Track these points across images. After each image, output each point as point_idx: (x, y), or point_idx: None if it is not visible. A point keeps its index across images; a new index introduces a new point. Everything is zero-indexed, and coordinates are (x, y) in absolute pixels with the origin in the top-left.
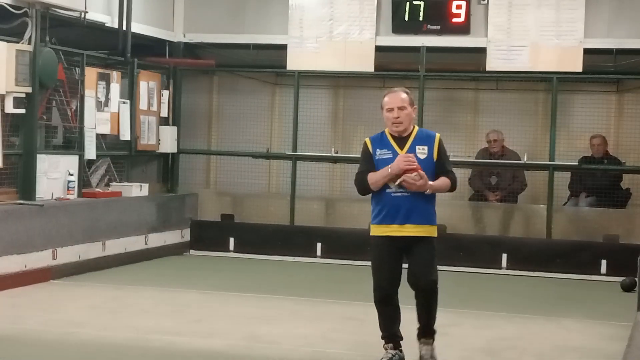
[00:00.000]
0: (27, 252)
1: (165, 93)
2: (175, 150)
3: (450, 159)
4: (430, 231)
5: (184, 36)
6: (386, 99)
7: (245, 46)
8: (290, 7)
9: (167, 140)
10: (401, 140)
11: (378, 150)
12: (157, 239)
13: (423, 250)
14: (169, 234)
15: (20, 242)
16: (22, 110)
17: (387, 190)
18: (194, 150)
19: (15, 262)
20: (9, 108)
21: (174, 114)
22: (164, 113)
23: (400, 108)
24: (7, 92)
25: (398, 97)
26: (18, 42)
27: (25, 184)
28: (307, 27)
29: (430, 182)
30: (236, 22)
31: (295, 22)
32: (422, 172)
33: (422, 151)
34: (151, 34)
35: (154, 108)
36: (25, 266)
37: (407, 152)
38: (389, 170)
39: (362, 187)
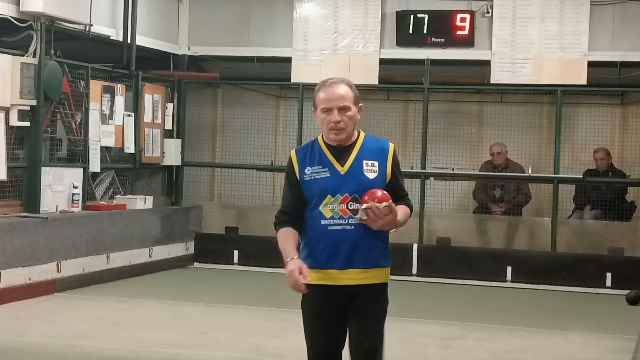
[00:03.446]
0: (32, 265)
1: (170, 106)
2: (179, 163)
3: (455, 171)
4: (380, 276)
5: (189, 49)
6: (321, 94)
7: (250, 59)
8: (295, 20)
9: (172, 153)
10: (341, 153)
11: (308, 168)
12: (161, 252)
13: (368, 305)
14: (173, 246)
15: (25, 254)
16: (27, 123)
17: (322, 222)
18: (198, 163)
19: (20, 274)
20: (14, 121)
21: (179, 127)
22: (169, 126)
23: (342, 108)
24: (12, 104)
25: (337, 92)
26: (23, 55)
27: (30, 197)
28: (312, 40)
29: (398, 218)
30: (241, 35)
31: (299, 35)
32: (392, 205)
33: (370, 168)
34: (156, 47)
35: (159, 121)
36: (30, 279)
37: (350, 168)
38: (287, 266)
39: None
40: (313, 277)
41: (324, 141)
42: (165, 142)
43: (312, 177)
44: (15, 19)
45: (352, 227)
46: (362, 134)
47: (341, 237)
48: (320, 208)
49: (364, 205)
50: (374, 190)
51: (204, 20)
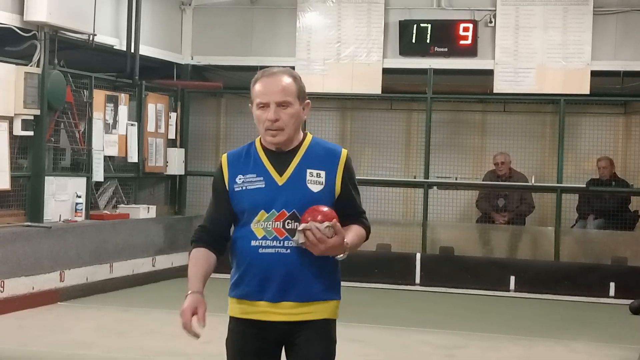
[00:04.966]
0: (35, 274)
1: (173, 115)
2: (182, 172)
3: (458, 180)
4: (325, 311)
5: (192, 58)
6: (257, 86)
7: (253, 68)
8: (298, 29)
9: (175, 162)
10: (281, 159)
11: (240, 176)
12: (164, 261)
13: (309, 348)
14: (176, 255)
15: (28, 263)
16: (31, 133)
17: (252, 243)
18: (201, 172)
19: (24, 283)
20: (18, 130)
21: (182, 136)
22: (172, 135)
23: (281, 104)
24: (15, 114)
25: (277, 83)
26: (27, 65)
27: (33, 206)
28: (315, 49)
29: (346, 241)
30: (244, 44)
31: (302, 45)
32: (338, 226)
33: (315, 179)
34: (159, 57)
35: (162, 130)
36: (33, 288)
37: (289, 178)
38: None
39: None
40: (239, 309)
41: (261, 145)
42: (168, 151)
43: (244, 188)
44: (19, 28)
45: (289, 250)
46: (309, 136)
47: (274, 262)
48: (251, 226)
49: (302, 226)
50: (317, 207)
51: (208, 30)
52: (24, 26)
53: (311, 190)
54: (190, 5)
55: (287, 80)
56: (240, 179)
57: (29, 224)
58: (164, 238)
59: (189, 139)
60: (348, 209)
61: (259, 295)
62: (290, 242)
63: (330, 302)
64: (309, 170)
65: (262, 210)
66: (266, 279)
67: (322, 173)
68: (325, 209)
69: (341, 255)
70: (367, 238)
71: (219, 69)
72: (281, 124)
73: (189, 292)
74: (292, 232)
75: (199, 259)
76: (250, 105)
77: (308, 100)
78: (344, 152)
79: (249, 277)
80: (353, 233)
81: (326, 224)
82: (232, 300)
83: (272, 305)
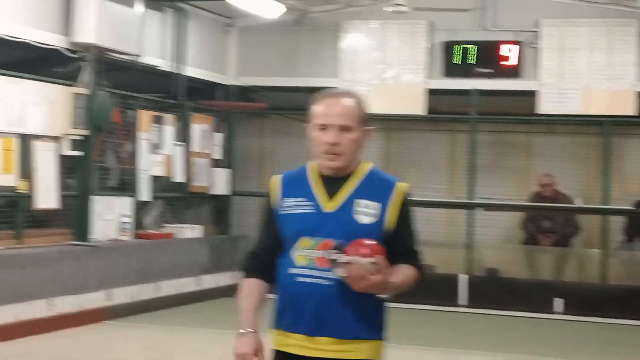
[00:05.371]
0: (82, 293)
1: (218, 136)
2: (228, 192)
3: (503, 202)
4: (365, 351)
5: (237, 79)
6: (318, 107)
7: (297, 89)
8: (342, 51)
9: (220, 182)
10: (334, 185)
11: (289, 199)
12: (210, 281)
13: None
14: (221, 275)
15: (75, 282)
16: (78, 153)
17: (290, 271)
18: (246, 193)
19: (70, 302)
20: (66, 150)
21: (227, 156)
22: (217, 155)
23: (342, 128)
24: (64, 134)
25: (341, 105)
26: (74, 86)
27: (80, 225)
28: (359, 70)
29: (392, 280)
30: (288, 65)
31: (346, 66)
32: (383, 264)
33: (365, 210)
34: (204, 77)
35: (207, 150)
36: (80, 307)
37: (340, 207)
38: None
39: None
40: (277, 340)
41: (315, 168)
42: (213, 171)
43: (290, 212)
44: (66, 49)
45: (329, 282)
46: (368, 165)
47: (310, 292)
48: (293, 252)
49: (345, 258)
50: (363, 240)
51: (252, 51)
52: (72, 47)
53: (360, 222)
54: (235, 26)
55: (350, 103)
56: (288, 202)
57: (76, 243)
58: (209, 258)
59: (234, 159)
60: (399, 246)
61: (294, 327)
62: (331, 273)
63: (371, 342)
64: (361, 201)
65: (306, 237)
66: (301, 310)
67: (375, 205)
68: (372, 243)
69: (385, 294)
70: (418, 281)
71: (263, 89)
72: (341, 148)
73: (244, 330)
74: (334, 263)
75: (252, 289)
76: (306, 125)
77: (371, 127)
78: (402, 185)
79: (286, 307)
80: (401, 273)
81: (370, 259)
82: (272, 332)
83: (307, 339)
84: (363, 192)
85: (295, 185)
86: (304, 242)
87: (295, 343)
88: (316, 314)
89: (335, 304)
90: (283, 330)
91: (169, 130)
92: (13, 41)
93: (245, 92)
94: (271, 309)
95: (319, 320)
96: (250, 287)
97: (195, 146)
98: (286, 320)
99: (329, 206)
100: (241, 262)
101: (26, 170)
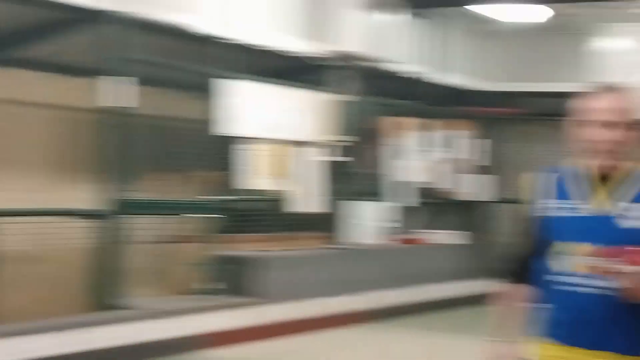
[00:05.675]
0: (346, 294)
1: (480, 142)
2: (491, 199)
3: None
4: None
5: (498, 85)
6: (583, 102)
7: (556, 95)
8: (603, 54)
9: (483, 189)
10: (601, 187)
11: (552, 200)
12: (467, 287)
13: None
14: (478, 282)
15: (340, 284)
16: (340, 159)
17: (564, 279)
18: (509, 200)
19: (338, 302)
20: (327, 156)
21: (490, 163)
22: (479, 162)
23: (609, 124)
24: (325, 140)
25: (608, 101)
26: (335, 93)
27: (337, 229)
28: (617, 74)
29: None
30: (548, 70)
31: (608, 70)
32: None
33: (639, 214)
34: (465, 84)
35: (469, 157)
36: (345, 307)
37: (611, 211)
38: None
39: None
40: (547, 351)
41: (581, 167)
42: (476, 178)
43: (556, 214)
44: (327, 58)
45: (606, 292)
46: (634, 166)
47: (591, 303)
48: (560, 258)
49: (624, 268)
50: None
51: (512, 56)
52: (332, 55)
53: (632, 227)
54: (495, 32)
55: (618, 99)
56: (550, 204)
57: (334, 246)
58: (466, 264)
59: (498, 166)
60: None
61: (572, 340)
62: (613, 283)
63: None
64: (635, 205)
65: (577, 242)
66: (582, 322)
67: None
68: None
69: None
70: None
71: (523, 95)
72: (606, 146)
73: (497, 338)
74: (609, 272)
75: (509, 297)
76: (569, 121)
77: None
78: None
79: (564, 318)
80: None
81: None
82: (541, 343)
83: (589, 353)
84: (635, 194)
85: (556, 186)
86: (577, 248)
87: (572, 356)
88: (598, 326)
89: (623, 317)
90: (559, 342)
91: (430, 136)
92: (273, 52)
93: (505, 98)
94: (539, 318)
95: (601, 333)
96: (507, 294)
97: (458, 153)
98: (563, 332)
99: (599, 210)
100: (496, 268)
101: (290, 175)
